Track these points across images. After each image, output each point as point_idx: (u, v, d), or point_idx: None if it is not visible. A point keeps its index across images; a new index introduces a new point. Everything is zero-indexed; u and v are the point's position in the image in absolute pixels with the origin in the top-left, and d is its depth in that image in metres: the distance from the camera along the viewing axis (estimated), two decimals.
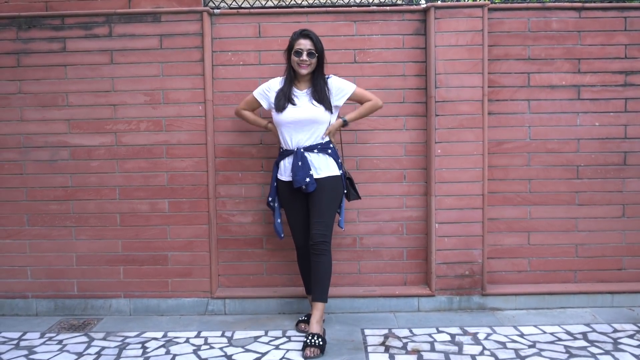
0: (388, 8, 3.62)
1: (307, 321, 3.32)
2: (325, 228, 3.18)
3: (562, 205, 3.71)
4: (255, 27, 3.61)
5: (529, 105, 3.66)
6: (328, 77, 3.26)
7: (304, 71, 3.17)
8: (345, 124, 3.29)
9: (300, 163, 3.15)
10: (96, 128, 3.64)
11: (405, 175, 3.69)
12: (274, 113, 3.25)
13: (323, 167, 3.20)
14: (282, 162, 3.27)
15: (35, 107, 3.64)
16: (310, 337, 3.03)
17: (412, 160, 3.68)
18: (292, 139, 3.20)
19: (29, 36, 3.60)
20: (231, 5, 3.81)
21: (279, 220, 3.37)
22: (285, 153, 3.25)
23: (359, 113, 3.31)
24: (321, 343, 3.01)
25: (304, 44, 3.14)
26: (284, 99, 3.21)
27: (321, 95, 3.19)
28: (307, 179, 3.13)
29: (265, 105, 3.33)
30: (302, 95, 3.22)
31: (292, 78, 3.24)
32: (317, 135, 3.20)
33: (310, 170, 3.15)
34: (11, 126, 3.65)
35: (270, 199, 3.35)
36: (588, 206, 3.71)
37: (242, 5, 3.79)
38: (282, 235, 3.41)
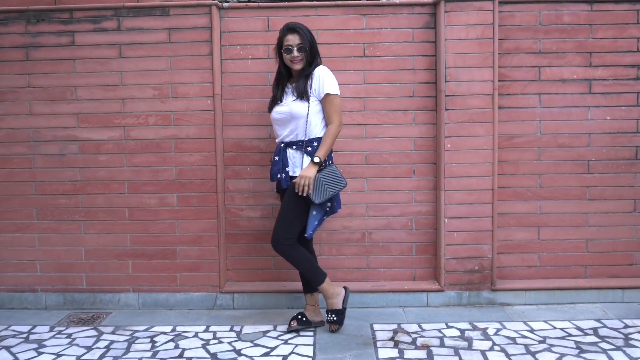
0: (397, 1, 3.59)
1: (296, 317, 3.29)
2: (281, 229, 3.09)
3: (572, 200, 3.68)
4: (264, 20, 3.60)
5: (540, 100, 3.63)
6: (316, 67, 3.10)
7: (297, 67, 3.09)
8: (318, 164, 3.02)
9: (277, 157, 3.13)
10: (105, 122, 3.63)
11: (415, 170, 3.67)
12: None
13: (298, 164, 3.11)
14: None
15: (44, 101, 3.64)
16: (327, 316, 3.25)
17: (421, 154, 3.66)
18: (277, 135, 3.20)
19: (38, 30, 3.60)
20: None
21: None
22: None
23: (326, 147, 3.04)
24: (335, 318, 3.22)
25: (292, 39, 3.06)
26: (272, 98, 3.22)
27: (299, 88, 3.09)
28: (280, 175, 3.12)
29: None
30: (289, 91, 3.18)
31: (282, 75, 3.20)
32: (297, 131, 3.10)
33: (287, 167, 3.12)
34: (20, 120, 3.65)
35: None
36: (599, 201, 3.68)
37: None
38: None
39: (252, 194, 3.68)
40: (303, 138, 3.10)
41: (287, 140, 3.13)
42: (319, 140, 3.09)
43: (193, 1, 3.57)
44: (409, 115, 3.64)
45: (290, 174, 3.12)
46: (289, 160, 3.12)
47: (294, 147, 3.11)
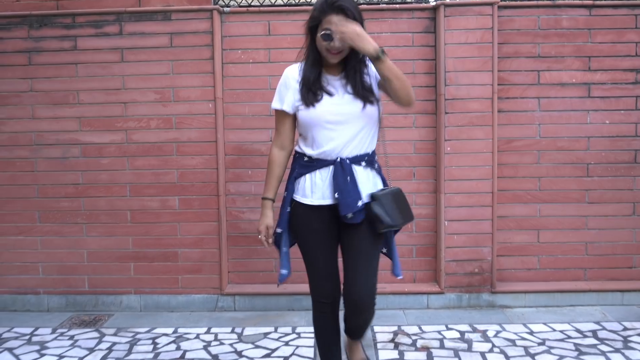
0: (397, 6, 3.62)
1: None
2: (375, 279, 2.33)
3: (572, 203, 3.69)
4: (265, 25, 3.62)
5: (539, 103, 3.65)
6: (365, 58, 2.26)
7: (334, 60, 2.21)
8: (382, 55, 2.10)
9: (349, 179, 2.20)
10: (107, 126, 3.66)
11: (415, 173, 3.68)
12: (302, 110, 2.24)
13: (372, 188, 2.30)
14: (307, 177, 2.29)
15: (46, 105, 3.66)
16: None
17: (421, 157, 3.68)
18: (332, 145, 2.23)
19: (40, 35, 3.63)
20: (241, 4, 3.81)
21: (286, 258, 2.40)
22: (315, 164, 2.27)
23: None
24: None
25: (336, 22, 2.12)
26: (314, 87, 2.23)
27: (364, 83, 2.25)
28: (359, 203, 2.21)
29: (286, 107, 2.28)
30: (337, 83, 2.26)
31: (317, 60, 2.25)
32: (364, 141, 2.28)
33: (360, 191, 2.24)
34: (23, 124, 3.68)
35: (279, 230, 2.36)
36: (598, 204, 3.69)
37: (252, 4, 3.80)
38: (289, 273, 2.41)
39: (252, 197, 3.70)
40: (368, 150, 2.31)
41: (351, 154, 2.24)
42: (374, 153, 2.36)
43: (194, 6, 3.59)
44: (409, 119, 3.66)
45: (365, 200, 2.25)
46: (359, 184, 2.24)
47: (363, 163, 2.27)
